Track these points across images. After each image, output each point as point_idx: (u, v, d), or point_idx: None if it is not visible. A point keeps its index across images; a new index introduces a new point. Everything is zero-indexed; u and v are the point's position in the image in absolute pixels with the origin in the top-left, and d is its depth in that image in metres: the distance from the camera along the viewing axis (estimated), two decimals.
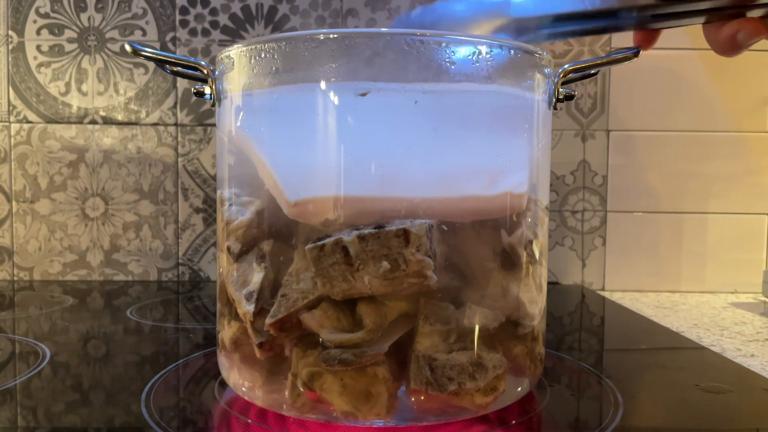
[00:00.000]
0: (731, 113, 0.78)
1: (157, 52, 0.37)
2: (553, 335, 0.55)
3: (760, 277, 0.77)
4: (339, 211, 0.32)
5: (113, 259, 0.79)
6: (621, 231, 0.80)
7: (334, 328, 0.32)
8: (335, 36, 0.33)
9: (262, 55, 0.34)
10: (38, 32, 0.78)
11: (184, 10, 0.77)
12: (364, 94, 0.31)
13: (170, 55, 0.38)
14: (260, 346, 0.34)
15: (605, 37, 0.78)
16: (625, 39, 0.78)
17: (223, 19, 0.77)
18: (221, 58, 0.37)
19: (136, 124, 0.78)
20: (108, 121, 0.78)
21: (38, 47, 0.78)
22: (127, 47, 0.36)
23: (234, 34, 0.78)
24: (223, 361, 0.38)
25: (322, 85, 0.32)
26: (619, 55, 0.38)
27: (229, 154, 0.37)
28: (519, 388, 0.36)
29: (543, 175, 0.38)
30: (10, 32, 0.77)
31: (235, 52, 0.35)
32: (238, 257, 0.36)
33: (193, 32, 0.78)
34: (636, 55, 0.37)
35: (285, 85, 0.34)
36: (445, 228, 0.33)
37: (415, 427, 0.33)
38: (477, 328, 0.33)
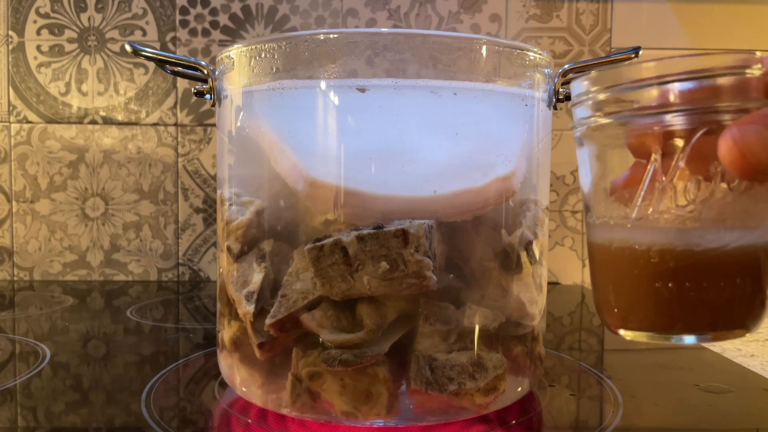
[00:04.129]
0: None
1: (157, 52, 0.37)
2: (553, 335, 0.55)
3: None
4: (339, 209, 0.32)
5: (113, 259, 0.79)
6: None
7: (334, 329, 0.32)
8: (335, 36, 0.33)
9: (262, 55, 0.34)
10: (38, 32, 0.77)
11: (184, 10, 0.77)
12: (362, 90, 0.31)
13: (170, 55, 0.38)
14: (260, 346, 0.34)
15: (605, 37, 0.78)
16: (624, 39, 0.78)
17: (223, 19, 0.77)
18: (221, 58, 0.37)
19: (136, 124, 0.78)
20: (108, 121, 0.78)
21: (38, 47, 0.78)
22: (128, 47, 0.36)
23: (234, 34, 0.78)
24: (223, 361, 0.38)
25: (323, 85, 0.32)
26: (619, 55, 0.38)
27: (230, 154, 0.37)
28: (519, 388, 0.36)
29: (543, 175, 0.38)
30: (10, 32, 0.77)
31: (235, 52, 0.35)
32: (238, 257, 0.36)
33: (193, 32, 0.78)
34: (636, 55, 0.37)
35: (289, 80, 0.34)
36: (445, 228, 0.33)
37: (415, 427, 0.33)
38: (477, 328, 0.33)
